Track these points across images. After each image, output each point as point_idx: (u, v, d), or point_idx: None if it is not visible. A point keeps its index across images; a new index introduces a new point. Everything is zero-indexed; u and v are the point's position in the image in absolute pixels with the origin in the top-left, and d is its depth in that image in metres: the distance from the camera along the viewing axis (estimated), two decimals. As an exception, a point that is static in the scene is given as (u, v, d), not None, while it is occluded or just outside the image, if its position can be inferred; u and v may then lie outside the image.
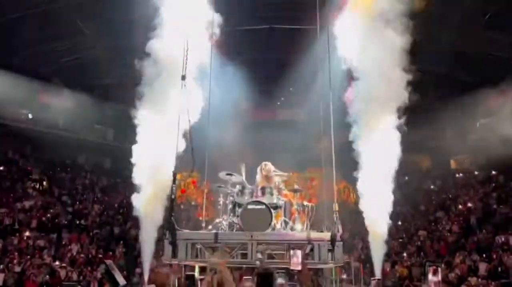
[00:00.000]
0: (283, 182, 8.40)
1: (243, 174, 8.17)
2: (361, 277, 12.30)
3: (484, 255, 14.81)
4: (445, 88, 21.84)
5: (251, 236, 6.76)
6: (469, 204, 19.07)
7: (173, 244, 6.50)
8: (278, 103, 26.14)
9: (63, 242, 16.57)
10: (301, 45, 14.74)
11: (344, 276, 12.15)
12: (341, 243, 6.54)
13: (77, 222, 18.54)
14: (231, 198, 7.78)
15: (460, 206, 19.46)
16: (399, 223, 18.96)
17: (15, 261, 13.75)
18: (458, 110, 20.17)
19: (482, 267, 13.93)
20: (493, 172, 20.67)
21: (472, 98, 19.03)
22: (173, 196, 6.91)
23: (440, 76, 20.86)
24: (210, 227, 7.76)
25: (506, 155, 16.56)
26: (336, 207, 7.11)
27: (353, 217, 19.12)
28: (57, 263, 14.59)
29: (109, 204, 21.17)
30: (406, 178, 24.03)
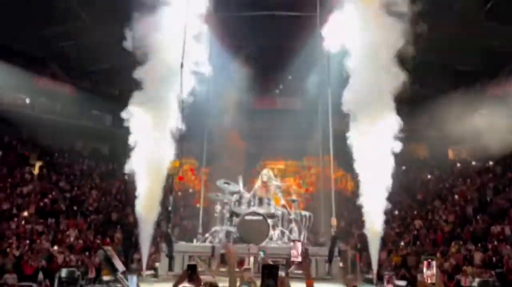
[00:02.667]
0: (281, 191, 8.38)
1: (240, 184, 8.15)
2: (358, 265, 12.38)
3: (479, 245, 14.92)
4: (444, 78, 21.79)
5: (249, 250, 6.78)
6: (466, 194, 19.15)
7: (170, 257, 6.47)
8: (277, 91, 26.07)
9: (61, 228, 16.62)
10: (301, 33, 14.64)
11: (341, 264, 12.21)
12: (338, 258, 6.56)
13: (75, 207, 18.56)
14: (228, 207, 7.73)
15: (456, 196, 19.54)
16: (396, 212, 19.05)
17: (13, 245, 13.80)
18: (456, 100, 20.15)
19: (478, 257, 14.04)
20: (490, 163, 20.73)
21: (471, 88, 19.00)
22: (170, 208, 6.89)
23: (439, 66, 20.80)
24: (207, 235, 7.71)
25: (503, 146, 16.60)
26: (334, 221, 7.06)
27: (349, 206, 19.31)
28: (55, 248, 14.64)
29: (107, 190, 21.19)
30: (404, 167, 24.13)
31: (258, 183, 8.49)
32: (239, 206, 7.72)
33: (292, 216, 7.89)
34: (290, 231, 7.62)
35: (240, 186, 8.11)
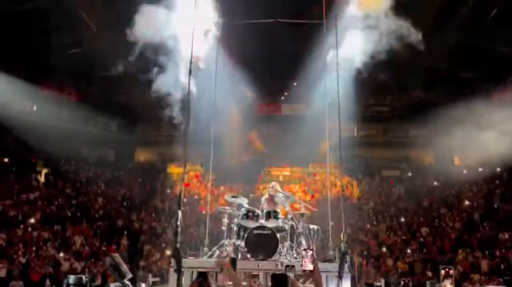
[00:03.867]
0: (290, 204, 8.34)
1: (246, 201, 8.11)
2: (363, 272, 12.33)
3: (486, 252, 14.81)
4: (450, 84, 21.74)
5: (258, 266, 6.73)
6: (473, 201, 19.04)
7: (179, 272, 6.45)
8: (283, 97, 26.11)
9: (67, 234, 16.67)
10: (307, 40, 14.67)
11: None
12: (349, 275, 6.50)
13: (81, 214, 18.63)
14: (236, 220, 7.70)
15: (463, 203, 19.43)
16: (402, 219, 18.96)
17: (20, 252, 13.85)
18: (462, 106, 20.08)
19: (485, 264, 13.94)
20: (497, 169, 20.61)
21: (477, 94, 18.94)
22: (178, 223, 6.84)
23: (445, 72, 20.76)
24: (214, 248, 7.67)
25: (510, 152, 16.50)
26: (343, 236, 6.99)
27: (355, 212, 19.23)
28: (61, 255, 14.69)
29: (112, 196, 21.25)
30: (410, 174, 24.02)
31: (265, 196, 8.46)
32: (247, 220, 7.66)
33: (300, 230, 7.81)
34: (299, 245, 7.55)
35: (246, 201, 8.08)
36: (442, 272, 4.37)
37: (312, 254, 4.13)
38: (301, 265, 4.25)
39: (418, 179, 22.66)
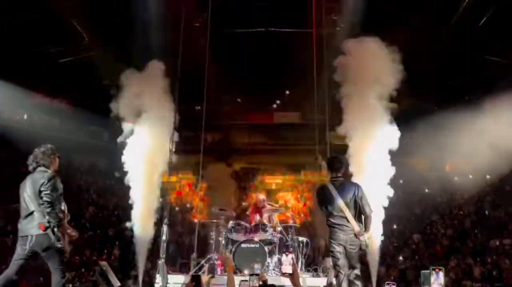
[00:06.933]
0: (277, 216, 8.30)
1: (234, 213, 8.09)
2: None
3: (478, 259, 14.86)
4: (441, 92, 21.94)
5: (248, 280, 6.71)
6: (464, 208, 19.13)
7: None
8: (275, 106, 26.20)
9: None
10: (298, 48, 14.78)
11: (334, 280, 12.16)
12: None
13: (72, 223, 18.44)
14: (223, 233, 7.64)
15: (455, 210, 19.52)
16: (394, 226, 18.98)
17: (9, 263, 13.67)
18: (454, 114, 20.24)
19: (477, 271, 13.97)
20: (487, 177, 20.73)
21: (467, 102, 19.10)
22: (164, 238, 6.82)
23: (436, 80, 20.95)
24: (202, 262, 7.60)
25: (501, 159, 16.61)
26: None
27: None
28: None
29: (104, 205, 21.08)
30: (401, 181, 24.06)
31: (249, 210, 8.45)
32: (235, 233, 7.61)
33: (290, 242, 7.76)
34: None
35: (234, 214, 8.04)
36: (433, 271, 4.37)
37: (292, 258, 4.12)
38: (280, 269, 4.24)
39: (410, 186, 22.74)
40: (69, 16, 17.56)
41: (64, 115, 22.99)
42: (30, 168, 5.54)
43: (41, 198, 5.16)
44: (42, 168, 5.55)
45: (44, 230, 5.01)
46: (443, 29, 17.58)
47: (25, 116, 22.75)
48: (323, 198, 6.01)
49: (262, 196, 8.48)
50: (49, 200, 5.13)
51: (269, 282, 4.47)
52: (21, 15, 17.29)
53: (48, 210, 5.08)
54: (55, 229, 5.08)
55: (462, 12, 16.52)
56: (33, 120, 22.43)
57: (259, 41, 18.58)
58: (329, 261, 6.86)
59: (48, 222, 5.04)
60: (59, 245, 5.10)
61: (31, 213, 5.15)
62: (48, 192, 5.19)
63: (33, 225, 5.08)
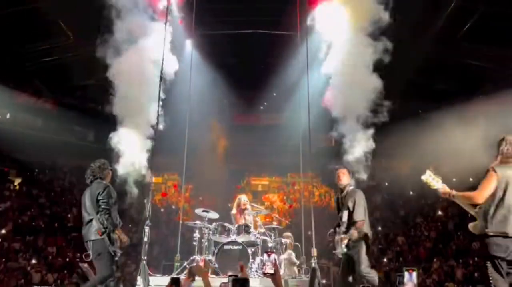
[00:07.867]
0: (260, 218, 8.28)
1: (217, 215, 8.04)
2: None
3: (461, 261, 15.04)
4: (425, 97, 22.20)
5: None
6: (447, 211, 19.35)
7: None
8: (261, 107, 26.20)
9: (40, 245, 16.25)
10: (285, 50, 14.83)
11: (323, 281, 12.21)
12: None
13: (55, 224, 18.21)
14: (206, 235, 7.59)
15: (438, 212, 19.73)
16: (379, 228, 19.13)
17: (-11, 264, 13.46)
18: (437, 118, 20.48)
19: (459, 273, 14.15)
20: (471, 179, 20.99)
21: (451, 107, 19.35)
22: (146, 239, 6.79)
23: (419, 84, 21.20)
24: (185, 264, 7.54)
25: (483, 162, 16.83)
26: (314, 252, 6.94)
27: (333, 222, 19.31)
28: (32, 266, 14.29)
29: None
30: (386, 184, 24.29)
31: (233, 211, 8.40)
32: (218, 235, 7.57)
33: (272, 244, 7.75)
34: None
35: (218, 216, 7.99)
36: (406, 272, 4.41)
37: (274, 258, 4.11)
38: (262, 269, 4.22)
39: (395, 188, 22.94)
40: (54, 15, 17.34)
41: (48, 115, 22.66)
42: (88, 181, 6.06)
43: (99, 206, 5.74)
44: (98, 180, 6.03)
45: (101, 235, 5.59)
46: (426, 36, 17.84)
47: (8, 115, 22.36)
48: None
49: (244, 197, 8.45)
50: (106, 207, 5.72)
51: (251, 284, 4.45)
52: (4, 13, 17.04)
53: (106, 216, 5.68)
54: (111, 234, 5.68)
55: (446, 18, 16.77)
56: (16, 119, 22.05)
57: (246, 42, 18.60)
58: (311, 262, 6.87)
59: (105, 227, 5.62)
60: (112, 249, 5.66)
61: (90, 220, 5.72)
62: (105, 200, 5.75)
63: (91, 231, 5.66)
